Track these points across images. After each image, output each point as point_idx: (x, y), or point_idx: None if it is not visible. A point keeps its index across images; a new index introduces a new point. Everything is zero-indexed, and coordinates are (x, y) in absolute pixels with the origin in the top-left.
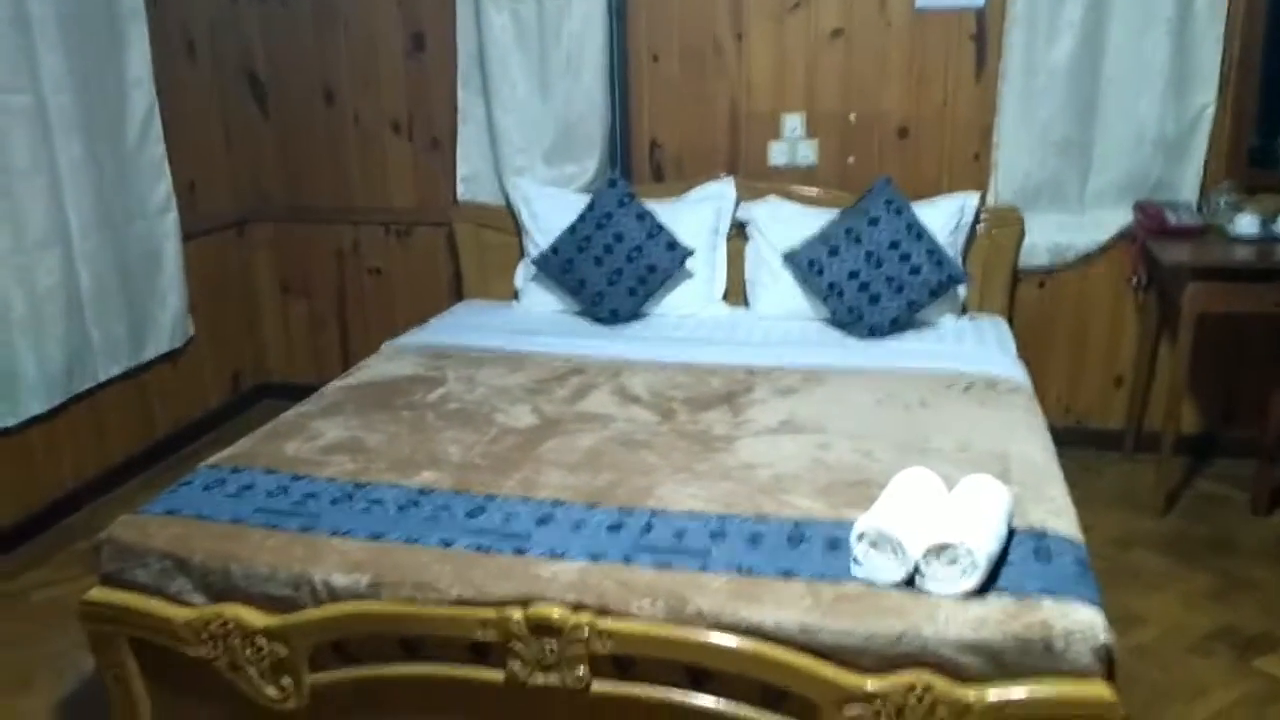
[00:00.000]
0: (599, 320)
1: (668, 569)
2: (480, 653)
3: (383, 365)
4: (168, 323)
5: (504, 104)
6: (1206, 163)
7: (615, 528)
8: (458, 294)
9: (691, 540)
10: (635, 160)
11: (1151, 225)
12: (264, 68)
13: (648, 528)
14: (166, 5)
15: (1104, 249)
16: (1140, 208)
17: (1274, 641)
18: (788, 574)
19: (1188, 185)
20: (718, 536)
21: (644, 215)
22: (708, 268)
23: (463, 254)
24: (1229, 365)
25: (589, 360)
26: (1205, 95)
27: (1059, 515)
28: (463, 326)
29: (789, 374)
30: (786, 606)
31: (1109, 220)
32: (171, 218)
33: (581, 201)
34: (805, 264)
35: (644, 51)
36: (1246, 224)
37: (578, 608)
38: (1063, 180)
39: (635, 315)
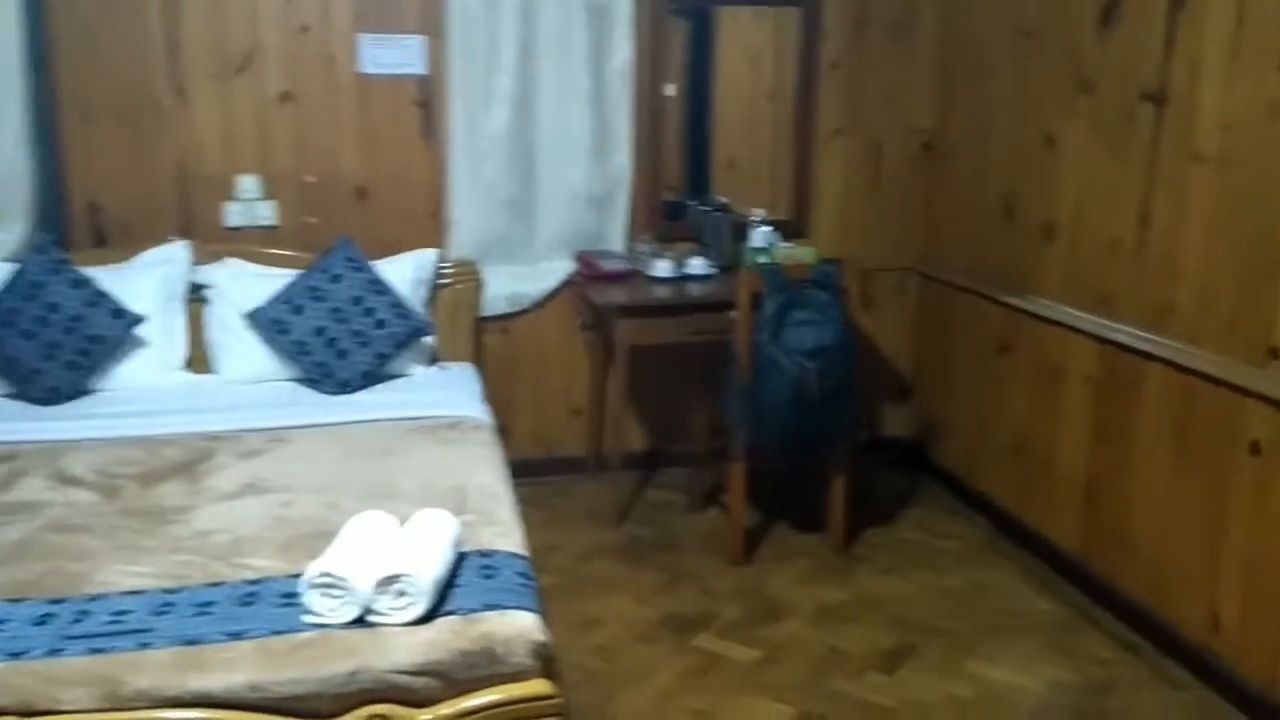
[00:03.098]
0: (36, 401)
1: (102, 654)
2: None
3: None
4: None
5: None
6: (630, 216)
7: (41, 621)
8: None
9: (132, 620)
10: (75, 224)
11: (589, 272)
12: None
13: (80, 615)
14: None
15: (554, 295)
16: (579, 257)
17: (707, 619)
18: (237, 636)
19: (616, 236)
20: (163, 611)
21: (82, 282)
22: (165, 335)
23: None
24: (665, 389)
25: (21, 446)
26: (621, 158)
27: (506, 535)
28: None
29: (254, 437)
30: (235, 669)
31: (556, 269)
32: None
33: (5, 271)
34: (268, 323)
35: (73, 107)
36: (663, 268)
37: None
38: (512, 235)
39: (80, 392)
